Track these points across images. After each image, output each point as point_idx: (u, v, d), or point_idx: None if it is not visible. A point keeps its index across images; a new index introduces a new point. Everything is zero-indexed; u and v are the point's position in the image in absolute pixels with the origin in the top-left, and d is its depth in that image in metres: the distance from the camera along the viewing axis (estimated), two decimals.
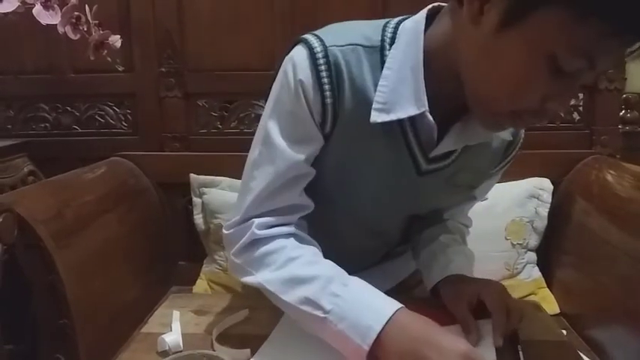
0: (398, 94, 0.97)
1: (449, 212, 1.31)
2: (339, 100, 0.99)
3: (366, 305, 0.93)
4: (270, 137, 1.03)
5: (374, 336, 0.89)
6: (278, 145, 1.02)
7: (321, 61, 0.97)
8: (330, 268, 1.01)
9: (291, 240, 1.05)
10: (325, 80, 0.97)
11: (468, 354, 0.86)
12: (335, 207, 1.14)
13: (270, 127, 1.03)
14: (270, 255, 1.03)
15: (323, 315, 0.94)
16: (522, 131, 1.19)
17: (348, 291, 0.95)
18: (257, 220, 1.04)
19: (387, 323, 0.90)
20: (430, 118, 0.98)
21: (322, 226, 1.13)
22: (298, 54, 0.99)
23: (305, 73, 0.98)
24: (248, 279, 1.06)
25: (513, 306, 1.06)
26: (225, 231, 1.10)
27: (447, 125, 1.02)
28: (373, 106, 0.98)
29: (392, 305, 0.93)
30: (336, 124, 1.01)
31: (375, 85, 0.99)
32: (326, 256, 1.06)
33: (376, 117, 0.98)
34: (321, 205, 1.11)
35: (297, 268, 1.00)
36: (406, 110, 0.97)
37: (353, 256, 1.07)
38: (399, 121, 1.00)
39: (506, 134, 1.13)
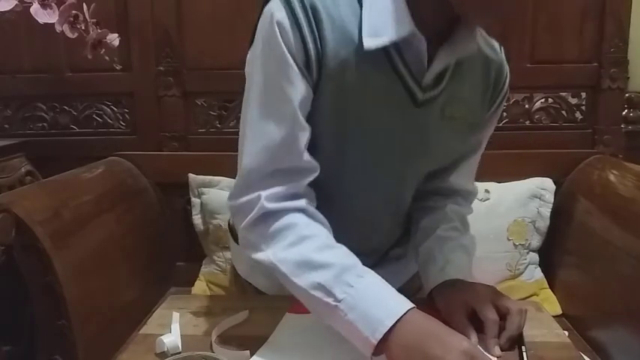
0: (382, 20, 0.98)
1: (456, 174, 1.30)
2: (321, 41, 0.99)
3: (379, 300, 0.94)
4: (259, 92, 1.04)
5: (384, 331, 0.90)
6: (267, 98, 1.03)
7: (297, 4, 0.98)
8: (345, 256, 1.01)
9: (303, 217, 1.05)
10: (303, 22, 0.97)
11: (470, 351, 0.87)
12: (341, 171, 1.13)
13: (257, 81, 1.04)
14: (281, 232, 1.03)
15: (334, 303, 0.94)
16: (507, 68, 1.21)
17: (363, 283, 0.96)
18: (264, 193, 1.03)
19: (398, 321, 0.91)
20: (420, 35, 0.99)
21: (327, 204, 1.12)
22: (273, 4, 1.00)
23: (281, 15, 0.98)
24: (259, 256, 1.05)
25: (512, 309, 1.05)
26: (229, 202, 1.09)
27: (431, 53, 1.03)
28: (363, 33, 0.99)
29: (405, 304, 0.94)
30: (322, 67, 1.01)
31: (356, 18, 1.00)
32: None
33: (370, 43, 0.98)
34: (324, 177, 1.10)
35: (311, 252, 1.00)
36: (396, 32, 0.98)
37: (359, 238, 1.09)
38: (387, 54, 1.01)
39: (488, 50, 1.14)
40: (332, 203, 1.12)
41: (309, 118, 1.05)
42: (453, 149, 1.23)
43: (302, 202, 1.06)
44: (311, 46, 0.98)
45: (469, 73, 1.13)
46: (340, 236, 1.07)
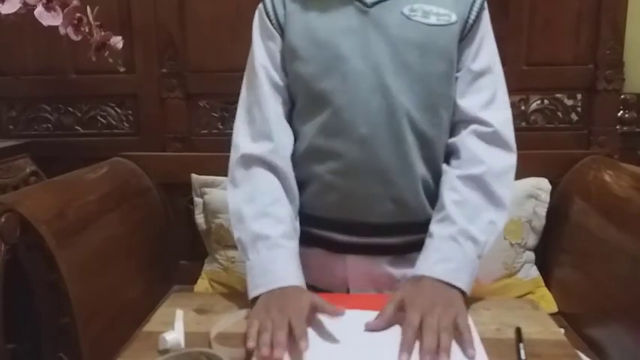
0: None
1: (460, 95, 1.33)
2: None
3: (269, 272, 1.19)
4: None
5: (252, 295, 1.18)
6: (249, 65, 1.38)
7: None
8: (272, 225, 1.25)
9: (265, 175, 1.31)
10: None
11: (312, 304, 1.09)
12: (328, 96, 1.29)
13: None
14: (242, 184, 1.32)
15: (245, 259, 1.25)
16: None
17: (267, 254, 1.21)
18: (241, 139, 1.34)
19: (267, 292, 1.16)
20: None
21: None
22: None
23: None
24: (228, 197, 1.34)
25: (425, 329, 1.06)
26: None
27: None
28: None
29: (282, 282, 1.17)
30: (285, 14, 1.31)
31: None
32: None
33: None
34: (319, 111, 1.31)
35: (249, 215, 1.27)
36: None
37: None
38: None
39: None
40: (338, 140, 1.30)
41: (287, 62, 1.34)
42: (427, 45, 1.27)
43: (276, 150, 1.32)
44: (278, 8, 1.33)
45: None
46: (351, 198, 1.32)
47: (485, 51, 1.33)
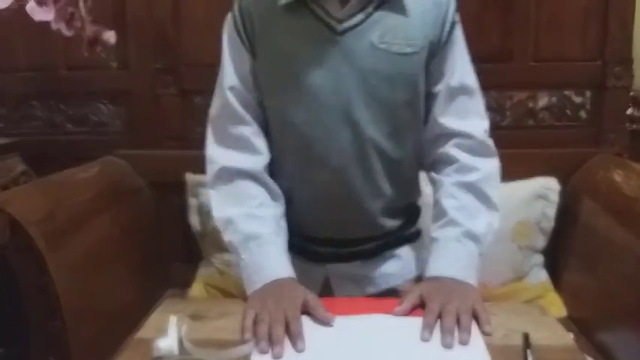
0: None
1: (440, 113, 1.36)
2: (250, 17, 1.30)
3: (264, 268, 1.26)
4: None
5: (250, 290, 1.24)
6: (221, 73, 1.39)
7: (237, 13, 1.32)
8: (261, 225, 1.31)
9: (248, 182, 1.35)
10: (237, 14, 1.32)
11: (305, 301, 1.15)
12: (291, 119, 1.31)
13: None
14: (227, 195, 1.36)
15: (238, 259, 1.31)
16: None
17: (259, 252, 1.28)
18: (221, 154, 1.38)
19: (264, 285, 1.22)
20: None
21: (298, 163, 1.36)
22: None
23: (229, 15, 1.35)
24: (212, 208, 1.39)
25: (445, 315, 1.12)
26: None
27: None
28: None
29: (277, 275, 1.24)
30: (255, 36, 1.29)
31: None
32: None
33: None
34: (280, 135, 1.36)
35: (238, 217, 1.31)
36: None
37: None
38: (302, 2, 1.24)
39: None
40: (301, 162, 1.36)
41: (259, 84, 1.34)
42: (395, 77, 1.29)
43: (254, 160, 1.36)
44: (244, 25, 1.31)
45: (412, 4, 1.26)
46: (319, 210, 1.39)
47: (461, 66, 1.35)
